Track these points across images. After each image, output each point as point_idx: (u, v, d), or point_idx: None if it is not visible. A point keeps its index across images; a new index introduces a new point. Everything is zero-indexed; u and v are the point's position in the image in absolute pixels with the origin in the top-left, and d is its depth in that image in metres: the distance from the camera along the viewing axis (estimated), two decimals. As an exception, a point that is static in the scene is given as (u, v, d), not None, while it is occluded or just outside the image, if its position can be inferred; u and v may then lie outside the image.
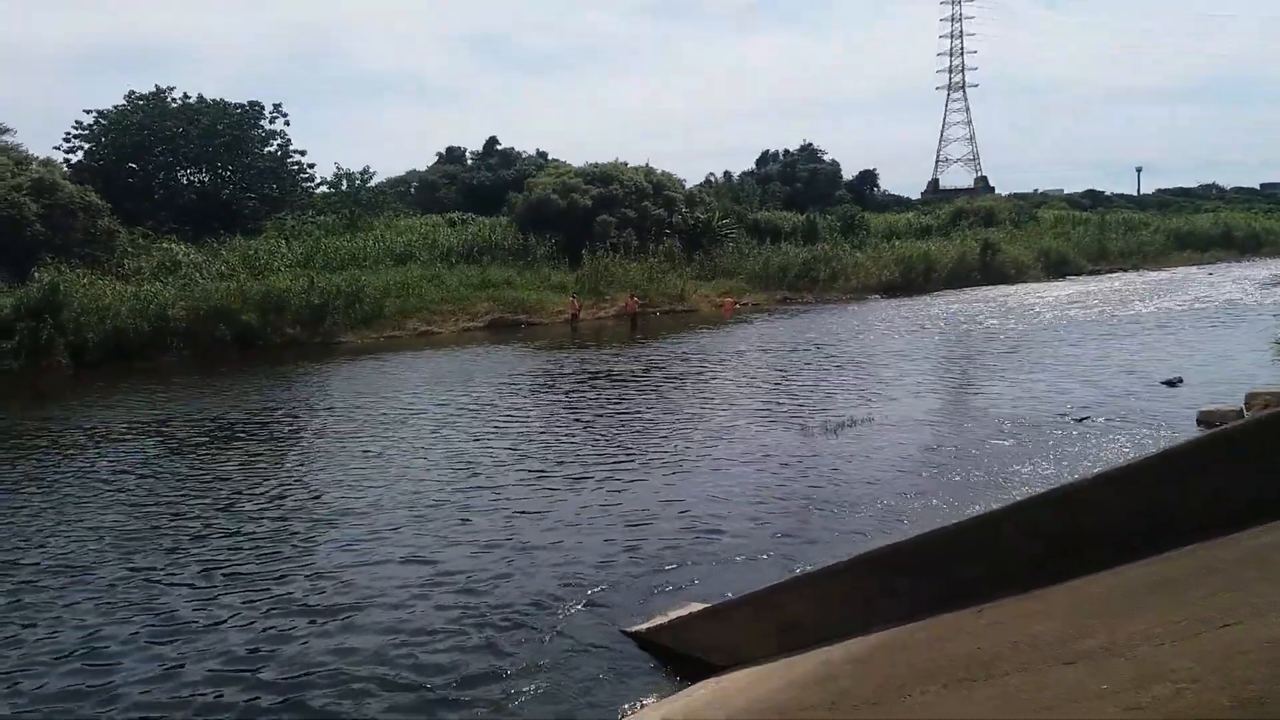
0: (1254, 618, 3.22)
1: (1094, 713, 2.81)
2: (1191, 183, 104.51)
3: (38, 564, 8.68)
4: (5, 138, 35.87)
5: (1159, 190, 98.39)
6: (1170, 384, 15.59)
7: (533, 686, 6.01)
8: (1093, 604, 4.33)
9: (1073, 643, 3.70)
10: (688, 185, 45.75)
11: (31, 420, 16.42)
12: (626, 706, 5.73)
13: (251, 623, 7.14)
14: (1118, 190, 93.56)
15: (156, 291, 26.03)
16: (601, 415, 15.04)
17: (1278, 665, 2.62)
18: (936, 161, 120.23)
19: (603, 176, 39.91)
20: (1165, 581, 4.23)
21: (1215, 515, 4.71)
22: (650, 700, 5.79)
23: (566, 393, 17.45)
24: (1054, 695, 3.17)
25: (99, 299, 24.63)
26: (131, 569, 8.44)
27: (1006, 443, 11.98)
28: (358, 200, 43.66)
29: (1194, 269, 49.46)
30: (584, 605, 7.25)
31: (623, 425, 14.18)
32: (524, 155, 60.98)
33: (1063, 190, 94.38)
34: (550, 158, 56.84)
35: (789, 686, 5.02)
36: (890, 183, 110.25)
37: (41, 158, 30.91)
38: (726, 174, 68.73)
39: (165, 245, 30.80)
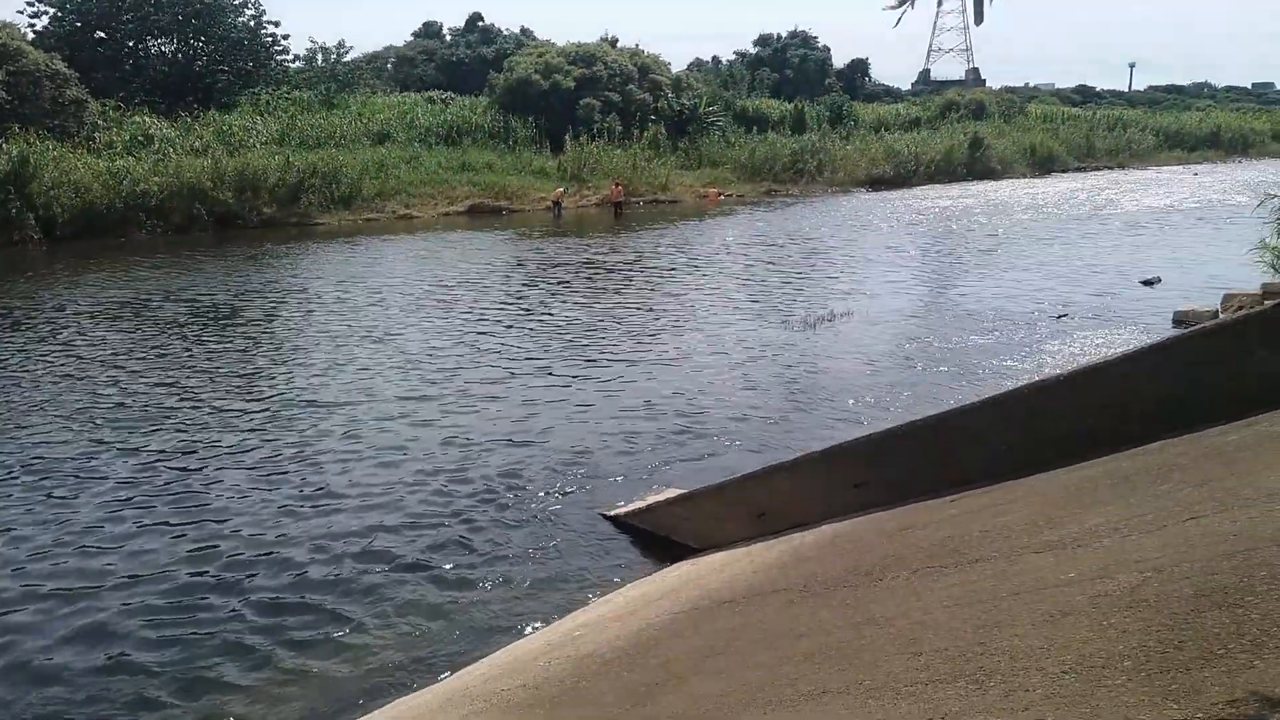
0: (1217, 512, 3.30)
1: (1061, 599, 2.90)
2: (1185, 80, 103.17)
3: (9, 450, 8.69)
4: (-37, 0, 34.33)
5: (1151, 87, 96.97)
6: (1148, 283, 15.69)
7: (513, 565, 6.15)
8: (1060, 496, 4.43)
9: (1040, 533, 3.80)
10: (675, 70, 44.62)
11: (1, 296, 16.19)
12: (604, 585, 5.89)
13: (227, 506, 7.20)
14: (1110, 86, 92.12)
15: (129, 166, 25.39)
16: (583, 306, 15.01)
17: (1239, 557, 2.70)
18: (929, 51, 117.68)
19: (586, 57, 38.79)
20: (1131, 476, 4.33)
21: (1183, 413, 4.80)
22: (627, 579, 5.94)
23: (548, 283, 17.35)
24: (1021, 582, 3.27)
25: (69, 172, 23.98)
26: (100, 452, 8.46)
27: (984, 338, 12.08)
28: (333, 76, 42.30)
29: (1180, 168, 49.24)
30: (563, 491, 7.37)
31: (604, 316, 14.17)
32: (505, 33, 59.02)
33: (1054, 85, 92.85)
34: (535, 36, 55.08)
35: (762, 568, 5.16)
36: (882, 72, 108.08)
37: (2, 21, 29.58)
38: (715, 59, 67.05)
39: (137, 118, 29.84)
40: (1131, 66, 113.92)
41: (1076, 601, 2.84)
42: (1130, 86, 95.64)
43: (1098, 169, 49.21)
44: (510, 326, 13.27)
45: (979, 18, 2.93)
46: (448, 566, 6.12)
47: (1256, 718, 1.88)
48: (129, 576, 6.02)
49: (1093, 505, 3.96)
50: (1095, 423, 5.11)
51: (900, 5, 2.99)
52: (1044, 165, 47.59)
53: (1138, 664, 2.26)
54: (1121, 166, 50.79)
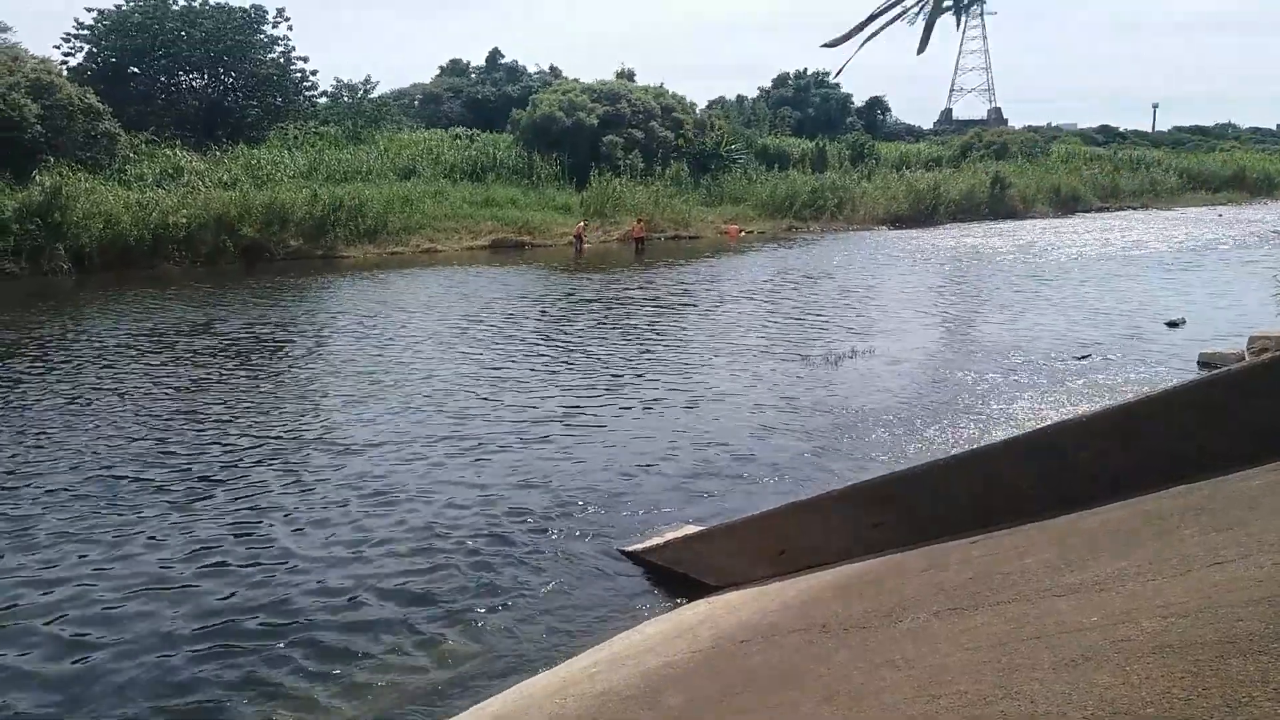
0: (1243, 558, 3.26)
1: (1083, 643, 2.86)
2: (1208, 120, 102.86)
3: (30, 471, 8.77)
4: (3, 36, 35.21)
5: (1175, 128, 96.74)
6: (1173, 325, 15.57)
7: (528, 599, 6.13)
8: (1084, 540, 4.38)
9: (1063, 576, 3.76)
10: (698, 107, 45.04)
11: (34, 326, 16.43)
12: (621, 622, 5.85)
13: (236, 545, 7.19)
14: (1133, 126, 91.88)
15: (158, 198, 25.82)
16: (605, 340, 15.06)
17: (1265, 604, 2.66)
18: (950, 90, 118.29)
19: (610, 95, 39.26)
20: (1155, 520, 4.28)
21: (1207, 457, 4.75)
22: (643, 617, 5.91)
23: (569, 318, 17.43)
24: (1044, 626, 3.23)
25: (100, 204, 24.43)
26: (131, 480, 8.53)
27: (1006, 378, 12.01)
28: (360, 111, 43.00)
29: (1204, 210, 48.99)
30: (581, 525, 7.35)
31: (625, 351, 14.21)
32: (528, 71, 59.81)
33: (1076, 124, 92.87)
34: (560, 74, 55.78)
35: (780, 608, 5.12)
36: (902, 111, 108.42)
37: (40, 57, 30.28)
38: (740, 97, 67.58)
39: (167, 151, 30.42)
40: (1155, 107, 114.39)
41: (1099, 646, 2.80)
42: (1154, 127, 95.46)
43: (1121, 209, 49.11)
44: (530, 362, 13.31)
45: (922, 47, 2.95)
46: (462, 601, 6.10)
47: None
48: (149, 608, 6.04)
49: (1116, 549, 3.92)
50: (1118, 465, 5.06)
51: (838, 44, 3.00)
52: (1067, 205, 47.54)
53: (1160, 711, 2.23)
54: (1145, 207, 50.64)
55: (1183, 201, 53.20)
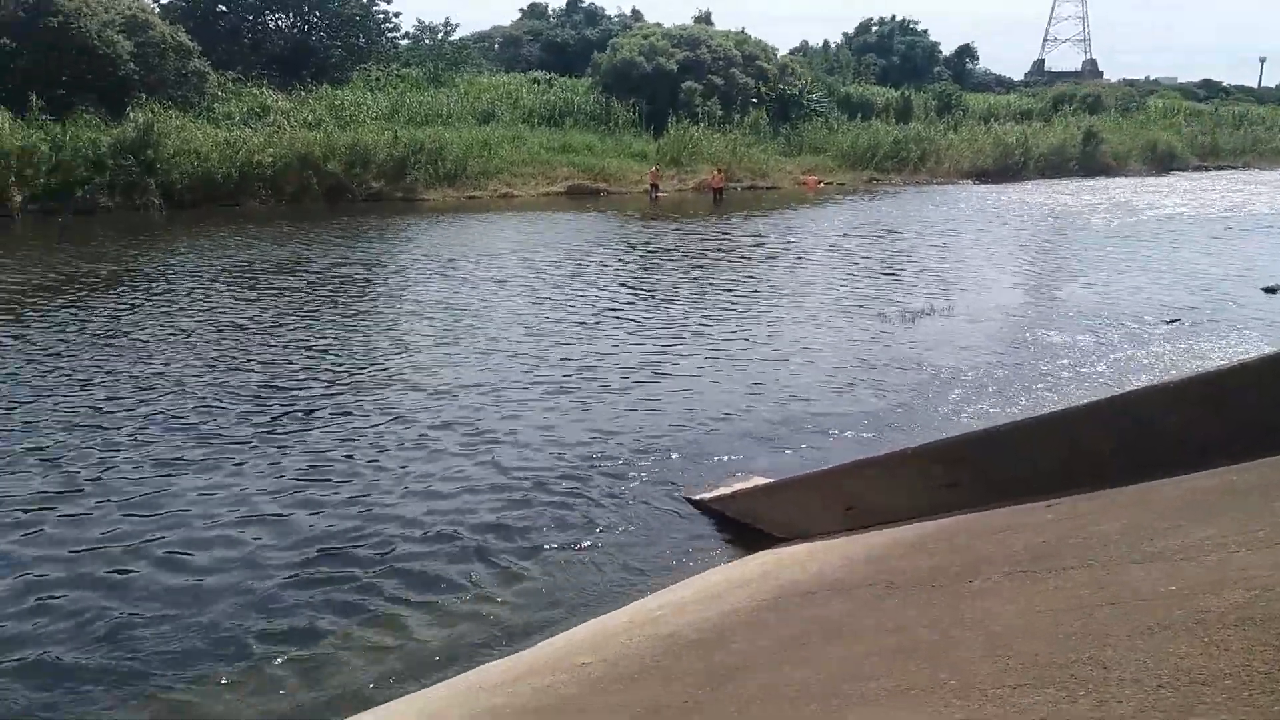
0: (1334, 533, 3.16)
1: (1160, 612, 2.82)
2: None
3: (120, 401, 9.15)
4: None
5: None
6: (1271, 290, 14.94)
7: (600, 541, 6.24)
8: (1164, 507, 4.28)
9: (1142, 543, 3.69)
10: (779, 53, 44.10)
11: (130, 259, 17.03)
12: (686, 568, 5.92)
13: (327, 477, 7.42)
14: (1237, 81, 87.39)
15: (245, 137, 26.37)
16: (682, 291, 15.03)
17: (1357, 581, 2.58)
18: (1044, 40, 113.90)
19: (690, 40, 38.68)
20: (1242, 490, 4.16)
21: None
22: (710, 565, 5.97)
23: (648, 265, 17.43)
24: (1119, 592, 3.18)
25: (190, 141, 25.06)
26: (225, 412, 8.85)
27: (1090, 340, 11.69)
28: (441, 54, 43.14)
29: (1312, 171, 46.59)
30: (653, 472, 7.42)
31: (702, 302, 14.17)
32: (607, 14, 59.21)
33: (1176, 79, 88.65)
34: (641, 17, 55.13)
35: (847, 563, 5.12)
36: (992, 61, 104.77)
37: (133, -5, 30.92)
38: (825, 43, 66.01)
39: (254, 90, 30.97)
40: (1262, 61, 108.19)
41: (1177, 616, 2.75)
42: (1260, 82, 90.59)
43: (1220, 168, 46.94)
44: (608, 310, 13.36)
45: None
46: (536, 539, 6.24)
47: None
48: (233, 536, 6.31)
49: (1199, 518, 3.82)
50: (1204, 433, 4.91)
51: None
52: (1163, 163, 45.58)
53: (1239, 683, 2.19)
54: (1247, 166, 48.34)
55: (1288, 161, 50.66)
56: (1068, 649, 2.78)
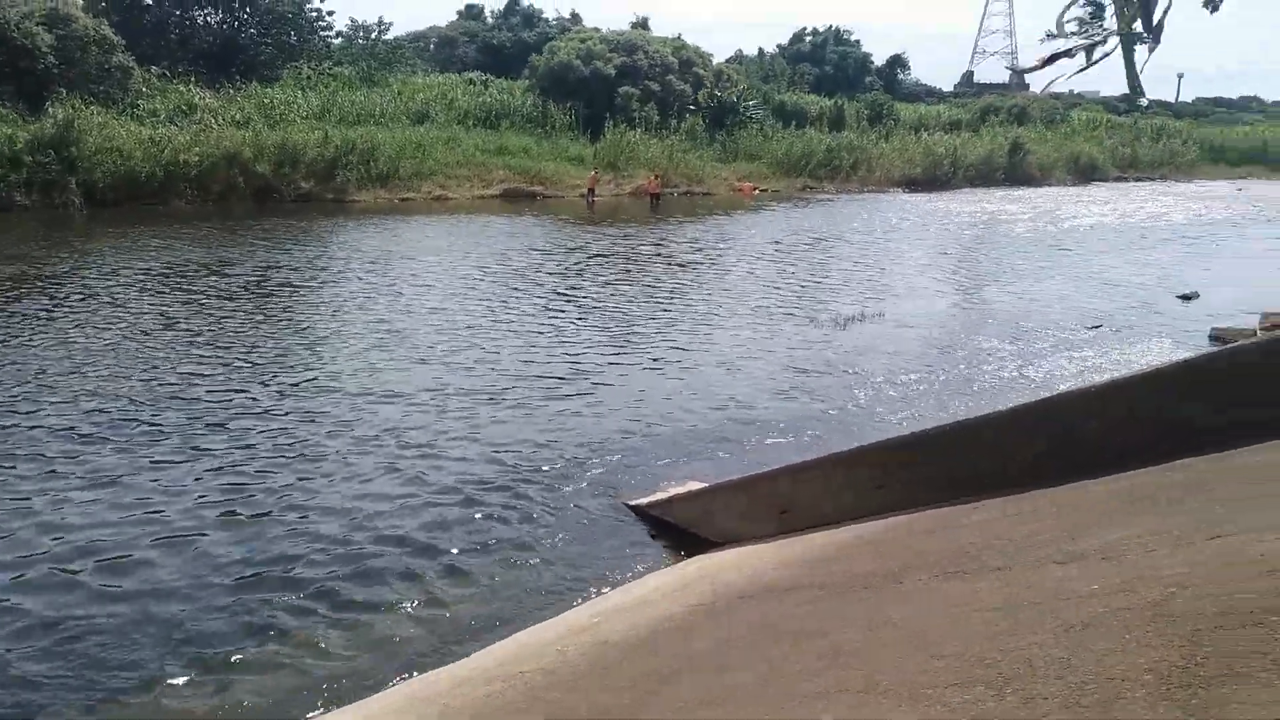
0: (1244, 532, 3.28)
1: (1082, 610, 2.90)
2: (1234, 94, 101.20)
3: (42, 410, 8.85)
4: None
5: (1198, 99, 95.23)
6: (1186, 298, 15.50)
7: (534, 550, 6.20)
8: (1085, 509, 4.42)
9: (1064, 544, 3.80)
10: (715, 60, 44.44)
11: (45, 262, 16.46)
12: (623, 574, 5.92)
13: (253, 489, 7.24)
14: (1156, 96, 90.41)
15: (171, 134, 25.70)
16: (617, 297, 15.03)
17: (1266, 577, 2.69)
18: (973, 53, 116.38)
19: (628, 45, 38.78)
20: (1158, 491, 4.31)
21: (1213, 432, 4.76)
22: (646, 570, 5.98)
23: (583, 271, 17.39)
24: (1043, 592, 3.27)
25: (113, 139, 24.32)
26: (140, 423, 8.60)
27: (1015, 346, 12.00)
28: (374, 54, 42.56)
29: (1224, 183, 48.47)
30: (588, 479, 7.40)
31: (637, 308, 14.19)
32: (545, 17, 59.03)
33: (1099, 92, 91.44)
34: (580, 21, 55.05)
35: (781, 565, 5.18)
36: (923, 72, 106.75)
37: (54, -14, 29.93)
38: (760, 51, 66.59)
39: (181, 88, 30.19)
40: (1180, 77, 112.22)
41: (1098, 613, 2.84)
42: (1178, 97, 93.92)
43: (1140, 180, 48.58)
44: (542, 316, 13.28)
45: (1155, 39, 2.87)
46: (467, 550, 6.16)
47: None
48: (161, 541, 6.13)
49: (1117, 519, 3.95)
50: (1122, 437, 5.08)
51: None
52: (1085, 174, 47.07)
53: (1159, 678, 2.26)
54: (1164, 178, 50.14)
55: (1202, 174, 52.62)
56: (995, 648, 2.85)
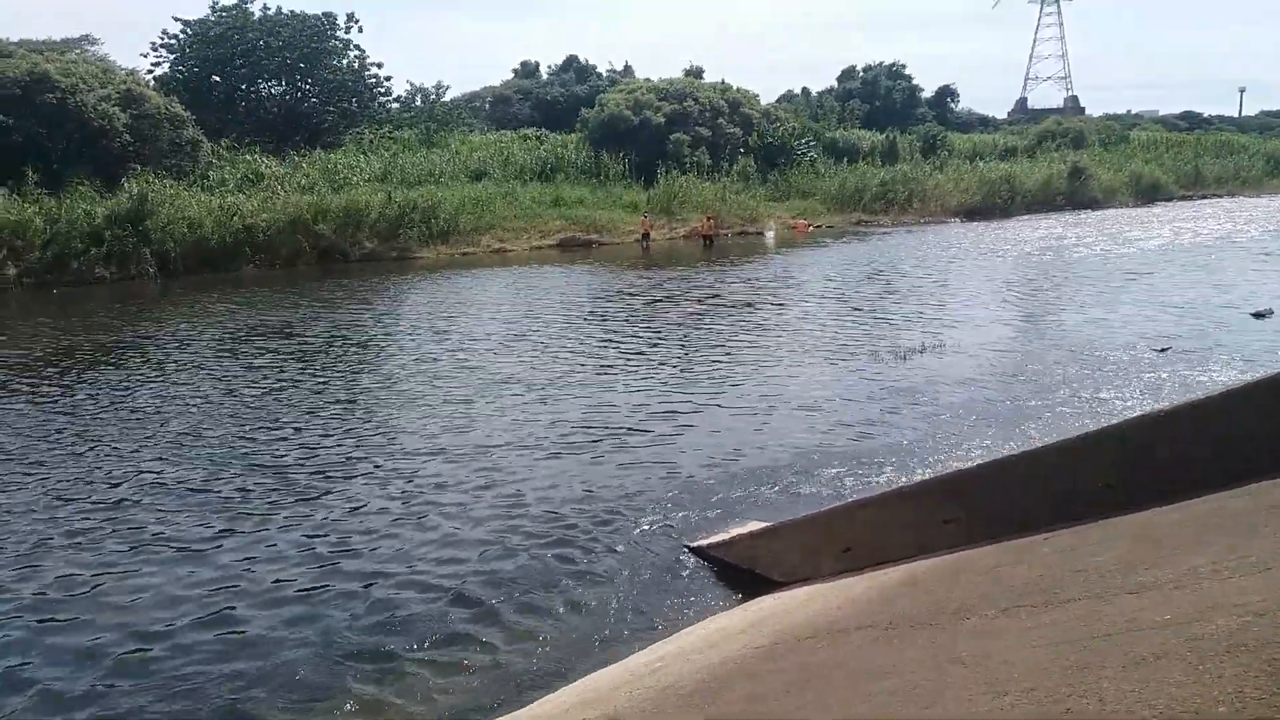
0: (1326, 556, 3.16)
1: (1155, 641, 2.81)
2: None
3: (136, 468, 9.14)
4: (94, 48, 36.60)
5: (1262, 112, 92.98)
6: (1259, 315, 15.01)
7: (597, 595, 6.20)
8: (1158, 536, 4.28)
9: (1136, 573, 3.68)
10: (764, 102, 44.73)
11: (122, 328, 17.09)
12: (687, 617, 5.88)
13: (324, 533, 7.43)
14: (1217, 112, 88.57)
15: (239, 203, 26.60)
16: (673, 339, 15.08)
17: (1346, 603, 2.58)
18: (1025, 79, 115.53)
19: (677, 93, 39.29)
20: (1233, 517, 4.17)
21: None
22: (709, 612, 5.93)
23: (639, 315, 17.50)
24: (1115, 624, 3.17)
25: (184, 209, 25.26)
26: (208, 486, 8.84)
27: (1082, 372, 11.72)
28: (433, 116, 43.73)
29: (1295, 197, 47.05)
30: (650, 522, 7.39)
31: (694, 349, 14.22)
32: (598, 71, 60.10)
33: (1158, 111, 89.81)
34: (631, 72, 55.96)
35: (845, 604, 5.10)
36: (976, 102, 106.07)
37: (128, 68, 31.46)
38: (805, 90, 66.93)
39: (248, 157, 31.32)
40: (1242, 91, 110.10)
41: (1171, 645, 2.75)
42: (1240, 112, 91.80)
43: (1205, 197, 47.43)
44: (603, 362, 13.37)
45: None
46: (532, 595, 6.20)
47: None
48: (233, 589, 6.27)
49: (1192, 546, 3.82)
50: (1197, 461, 4.92)
51: None
52: (1148, 194, 46.12)
53: (1234, 710, 2.19)
54: (1231, 195, 48.86)
55: (1271, 188, 51.17)
56: (1064, 683, 2.77)
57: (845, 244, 30.44)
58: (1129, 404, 10.05)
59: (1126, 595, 3.47)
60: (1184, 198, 47.10)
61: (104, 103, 27.02)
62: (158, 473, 8.82)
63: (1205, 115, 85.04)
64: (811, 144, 42.08)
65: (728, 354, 13.60)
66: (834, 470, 8.45)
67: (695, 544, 6.90)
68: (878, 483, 7.76)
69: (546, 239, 30.70)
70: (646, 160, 36.23)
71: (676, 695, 4.13)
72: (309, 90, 38.36)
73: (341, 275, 24.20)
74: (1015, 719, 2.63)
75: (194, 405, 11.30)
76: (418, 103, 45.91)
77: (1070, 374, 11.64)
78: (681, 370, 12.61)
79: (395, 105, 44.29)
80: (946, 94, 71.92)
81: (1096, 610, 3.46)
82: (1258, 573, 3.24)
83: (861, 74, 68.49)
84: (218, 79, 37.26)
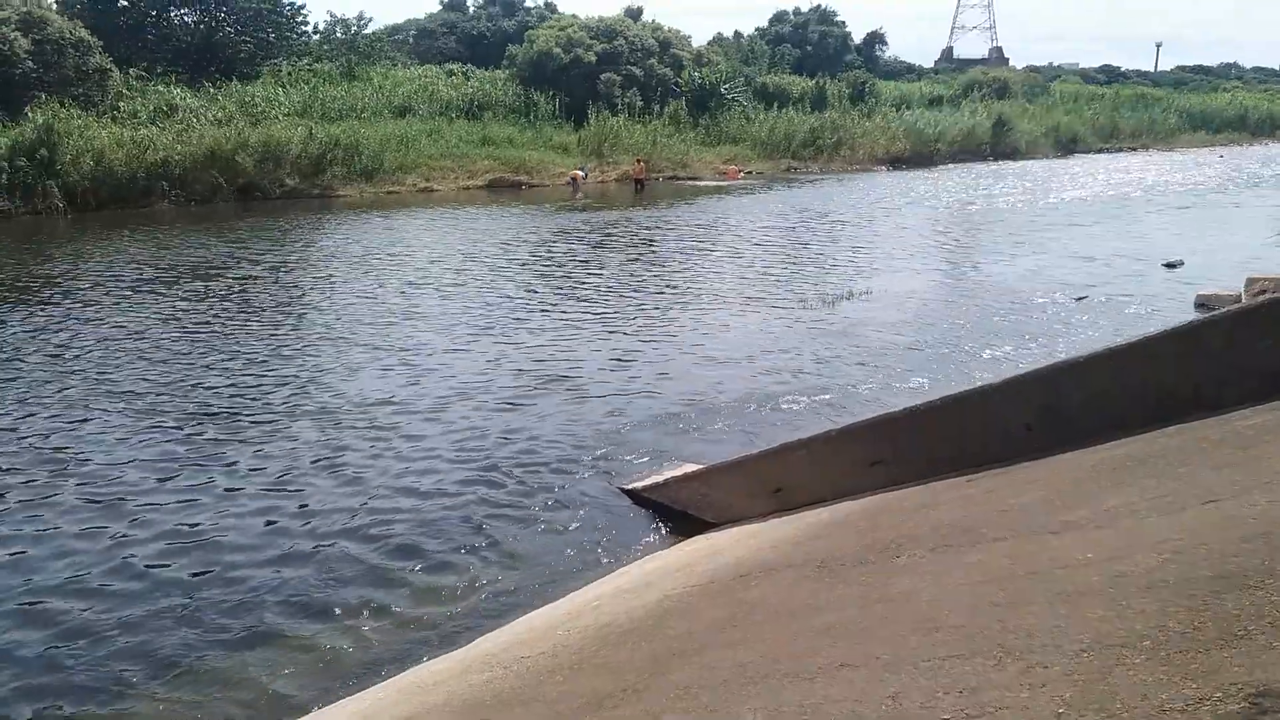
0: (1237, 496, 3.31)
1: (1079, 579, 2.92)
2: (1212, 61, 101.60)
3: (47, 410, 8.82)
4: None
5: (1178, 67, 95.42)
6: (1171, 266, 15.55)
7: (533, 537, 6.22)
8: (1079, 478, 4.43)
9: (1058, 513, 3.82)
10: (696, 44, 44.32)
11: (30, 264, 16.36)
12: (622, 558, 5.94)
13: (246, 479, 7.28)
14: (1135, 66, 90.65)
15: (153, 135, 25.51)
16: (600, 283, 15.03)
17: (1260, 540, 2.71)
18: (952, 28, 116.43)
19: (608, 31, 38.65)
20: (1150, 458, 4.33)
21: (1203, 398, 4.79)
22: (644, 553, 6.00)
23: (568, 257, 17.37)
24: (1039, 562, 3.29)
25: (93, 141, 24.13)
26: (141, 417, 8.58)
27: (1003, 320, 12.03)
28: (354, 48, 42.29)
29: (1205, 151, 48.63)
30: (583, 466, 7.41)
31: (621, 292, 14.18)
32: (525, 4, 58.68)
33: (1078, 64, 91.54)
34: (556, 9, 54.81)
35: (779, 544, 5.19)
36: (903, 50, 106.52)
37: (27, -10, 29.60)
38: (736, 34, 66.36)
39: (160, 88, 29.95)
40: (1158, 46, 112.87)
41: (1094, 582, 2.86)
42: (1156, 67, 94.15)
43: (1121, 150, 48.71)
44: (532, 307, 13.26)
45: None
46: (467, 540, 6.18)
47: (1278, 697, 1.90)
48: (155, 543, 6.13)
49: (1111, 487, 3.97)
50: (1113, 405, 5.10)
51: None
52: (1068, 146, 47.20)
53: (1156, 644, 2.29)
54: (1146, 148, 50.29)
55: (1183, 142, 52.81)
56: (993, 619, 2.87)
57: (775, 190, 30.55)
58: (1049, 349, 10.36)
59: (1049, 535, 3.60)
60: (1101, 149, 48.30)
61: (3, 26, 25.49)
62: (74, 421, 8.52)
63: (1123, 69, 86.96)
64: (742, 89, 41.89)
65: (658, 300, 13.60)
66: (765, 413, 8.56)
67: (629, 486, 6.95)
68: (808, 425, 7.88)
69: (474, 179, 30.15)
70: (577, 101, 35.69)
71: (615, 632, 4.18)
72: (224, 19, 36.67)
73: (262, 213, 23.45)
74: (946, 655, 2.71)
75: (110, 350, 10.89)
76: (338, 34, 44.24)
77: (993, 322, 11.94)
78: (611, 316, 12.58)
79: (315, 37, 42.71)
80: (876, 40, 72.06)
81: (1021, 549, 3.58)
82: (1173, 513, 3.38)
83: (792, 18, 68.11)
84: (125, 3, 35.38)
